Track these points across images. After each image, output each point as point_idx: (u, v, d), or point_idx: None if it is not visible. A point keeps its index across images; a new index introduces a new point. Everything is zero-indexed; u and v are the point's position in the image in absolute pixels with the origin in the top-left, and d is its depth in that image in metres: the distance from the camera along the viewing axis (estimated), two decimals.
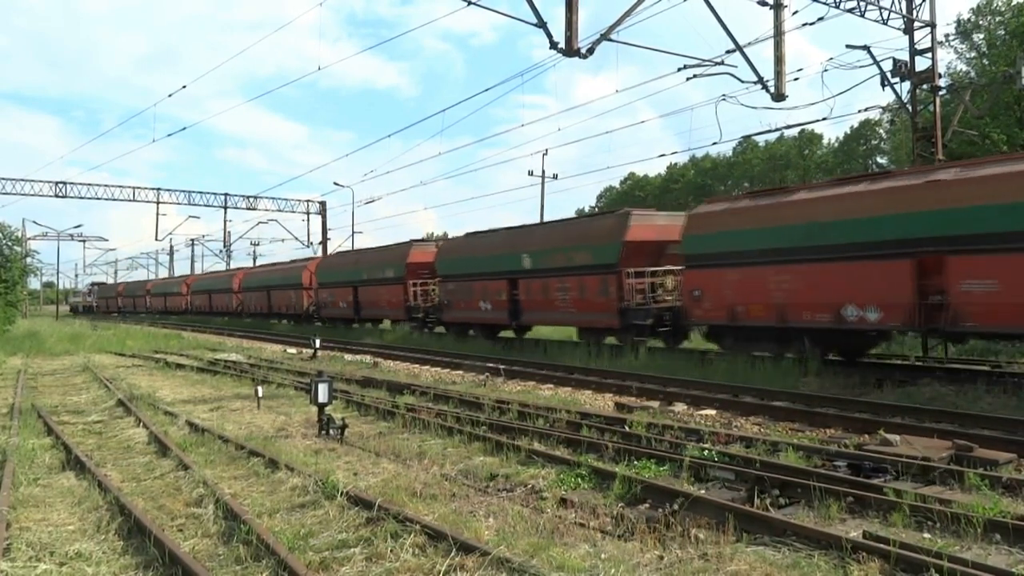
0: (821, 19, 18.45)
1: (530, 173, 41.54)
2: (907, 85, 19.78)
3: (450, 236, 42.05)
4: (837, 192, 15.17)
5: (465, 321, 26.45)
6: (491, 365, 17.89)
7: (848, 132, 56.93)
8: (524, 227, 25.66)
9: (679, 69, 17.29)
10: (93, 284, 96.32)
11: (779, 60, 15.81)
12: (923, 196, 13.22)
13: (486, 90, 54.50)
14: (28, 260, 40.27)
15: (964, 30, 33.54)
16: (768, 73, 16.00)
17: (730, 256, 16.48)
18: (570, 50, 13.56)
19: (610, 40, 14.42)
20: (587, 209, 78.20)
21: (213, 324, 47.86)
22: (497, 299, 24.11)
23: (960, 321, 12.64)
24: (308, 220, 50.86)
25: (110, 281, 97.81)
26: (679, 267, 18.54)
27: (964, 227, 12.49)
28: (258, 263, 66.32)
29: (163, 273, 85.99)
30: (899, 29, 19.63)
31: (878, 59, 19.22)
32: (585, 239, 21.04)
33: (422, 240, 33.54)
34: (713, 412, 11.76)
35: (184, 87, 31.95)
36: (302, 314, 39.86)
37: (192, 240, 78.33)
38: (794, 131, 56.48)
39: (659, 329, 19.05)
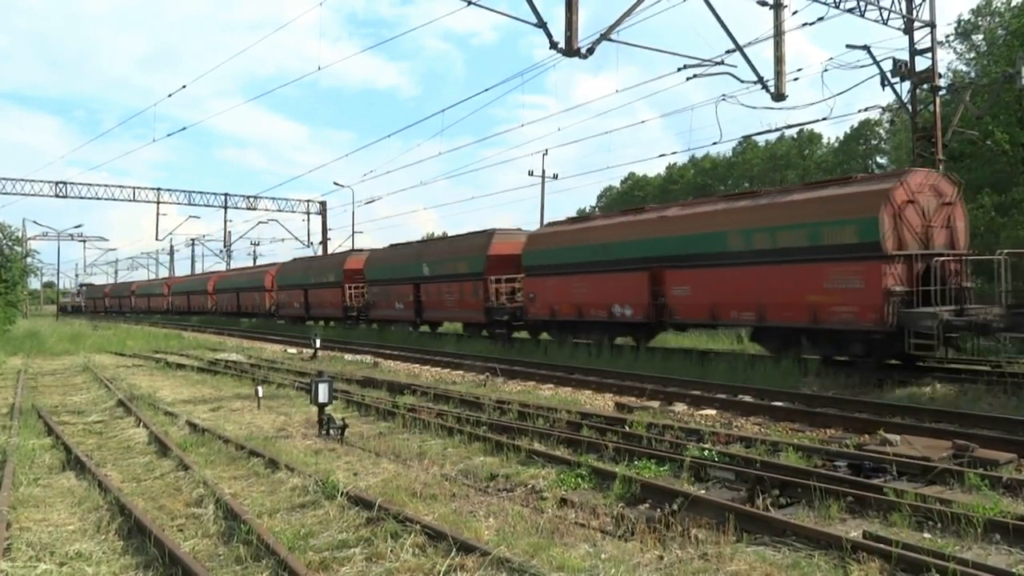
0: (821, 19, 18.43)
1: (530, 173, 41.58)
2: (907, 85, 19.77)
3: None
4: (612, 221, 21.12)
5: (385, 318, 31.58)
6: (491, 365, 17.89)
7: (848, 132, 56.97)
8: (425, 241, 32.98)
9: (679, 69, 17.29)
10: (81, 285, 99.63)
11: (779, 60, 15.81)
12: (655, 227, 18.62)
13: (486, 90, 54.59)
14: (28, 260, 40.29)
15: (964, 30, 33.53)
16: (768, 73, 16.01)
17: (551, 268, 21.86)
18: (570, 50, 13.56)
19: (610, 40, 14.43)
20: (588, 209, 78.47)
21: (191, 322, 52.65)
22: (407, 300, 29.28)
23: (672, 315, 18.09)
24: (308, 220, 50.96)
25: (110, 281, 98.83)
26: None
27: (674, 250, 17.77)
28: (258, 263, 66.47)
29: (163, 273, 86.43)
30: (899, 29, 19.62)
31: (878, 59, 19.21)
32: (462, 252, 26.07)
33: (358, 250, 38.00)
34: (713, 412, 11.77)
35: (184, 87, 31.94)
36: (264, 313, 45.18)
37: (192, 240, 78.50)
38: (794, 131, 56.53)
39: (514, 323, 23.93)
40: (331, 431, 10.38)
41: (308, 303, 38.64)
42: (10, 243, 36.19)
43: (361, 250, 37.22)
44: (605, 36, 14.32)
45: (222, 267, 63.48)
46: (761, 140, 60.97)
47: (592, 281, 20.29)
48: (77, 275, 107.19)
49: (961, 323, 13.13)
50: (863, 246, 13.87)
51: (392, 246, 32.89)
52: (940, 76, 20.29)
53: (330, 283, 35.87)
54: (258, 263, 66.71)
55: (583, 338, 21.08)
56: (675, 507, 6.53)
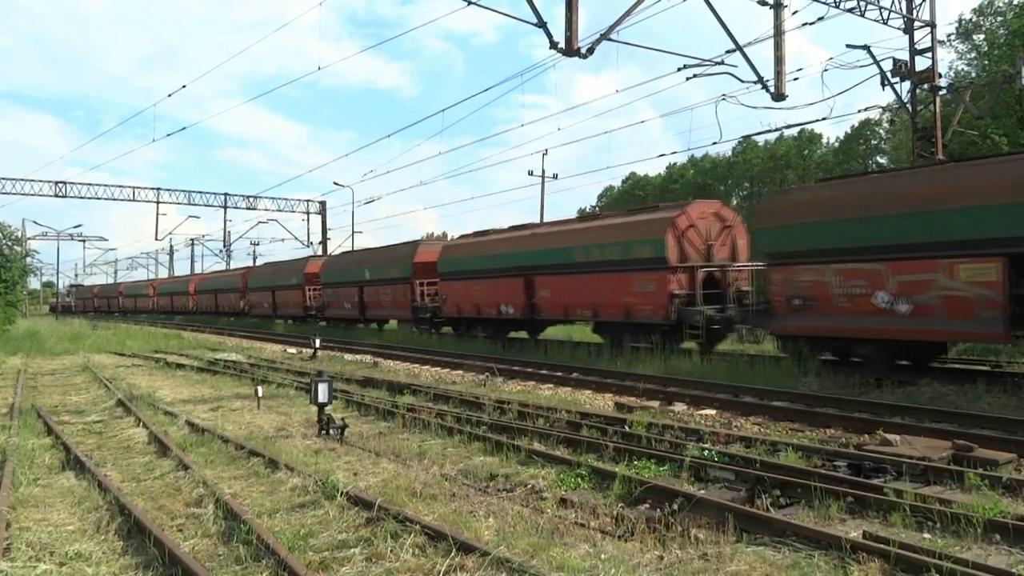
0: (821, 19, 18.46)
1: (530, 173, 41.61)
2: (907, 85, 19.79)
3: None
4: (500, 236, 25.34)
5: (338, 317, 35.74)
6: (491, 365, 17.90)
7: (848, 132, 56.96)
8: (368, 250, 36.84)
9: (679, 69, 17.32)
10: (71, 286, 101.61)
11: (779, 60, 15.82)
12: (528, 242, 23.20)
13: (486, 90, 54.57)
14: (28, 260, 40.31)
15: (965, 30, 33.53)
16: (768, 73, 16.03)
17: (458, 274, 26.19)
18: (570, 50, 13.57)
19: (610, 40, 14.44)
20: (588, 209, 78.55)
21: (174, 320, 56.55)
22: (353, 301, 33.46)
23: (540, 313, 22.54)
24: (308, 220, 50.99)
25: (107, 282, 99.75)
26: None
27: (540, 260, 22.18)
28: (258, 262, 66.60)
29: (163, 273, 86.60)
30: (899, 29, 19.64)
31: (878, 59, 19.23)
32: (394, 260, 30.34)
33: (316, 256, 42.78)
34: (713, 412, 11.76)
35: (184, 87, 31.87)
36: (239, 312, 49.47)
37: (192, 240, 78.49)
38: (794, 131, 56.54)
39: (435, 320, 28.15)
40: (331, 431, 10.38)
41: (275, 303, 42.90)
42: (10, 243, 36.20)
43: (318, 256, 42.23)
44: (605, 36, 14.33)
45: (222, 266, 63.65)
46: (761, 140, 60.97)
47: (486, 285, 24.61)
48: (76, 275, 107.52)
49: (718, 318, 17.53)
50: (655, 260, 18.17)
51: (343, 253, 38.64)
52: (940, 76, 20.30)
53: (293, 285, 40.21)
54: (258, 262, 66.84)
55: (480, 332, 25.52)
56: (675, 507, 6.53)
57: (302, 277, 38.89)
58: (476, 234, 27.34)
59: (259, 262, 66.61)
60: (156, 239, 72.45)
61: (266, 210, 50.00)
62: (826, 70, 18.95)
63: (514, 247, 23.61)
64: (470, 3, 14.19)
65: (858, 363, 15.55)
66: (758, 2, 16.15)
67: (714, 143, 70.85)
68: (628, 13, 14.48)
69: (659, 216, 19.06)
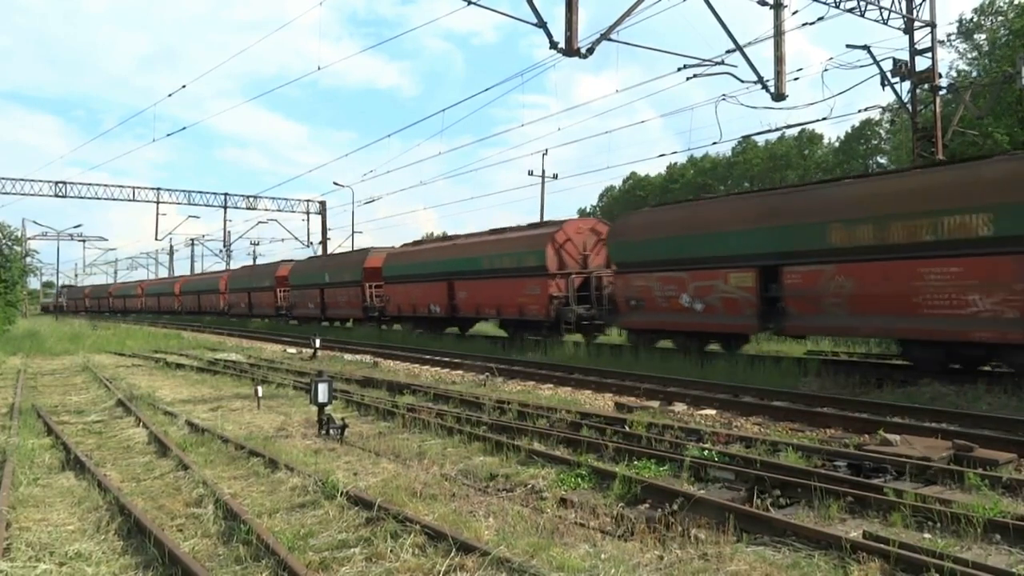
0: (821, 19, 18.46)
1: (530, 173, 41.67)
2: (907, 85, 19.78)
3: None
4: (428, 247, 30.09)
5: (303, 315, 40.02)
6: (491, 365, 17.89)
7: (848, 132, 56.95)
8: (329, 256, 42.35)
9: (679, 69, 17.31)
10: (63, 287, 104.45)
11: (779, 60, 15.82)
12: (449, 251, 27.29)
13: (486, 90, 54.49)
14: (28, 260, 40.29)
15: (966, 30, 33.53)
16: (768, 73, 16.03)
17: (398, 278, 30.21)
18: (570, 50, 13.57)
19: (610, 40, 14.44)
20: (588, 209, 78.71)
21: (161, 319, 59.83)
22: (316, 301, 37.57)
23: (460, 312, 26.30)
24: (308, 220, 50.98)
25: (103, 283, 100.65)
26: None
27: (459, 267, 26.15)
28: (258, 263, 66.70)
29: (163, 273, 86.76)
30: (899, 29, 19.64)
31: (878, 59, 19.23)
32: (348, 265, 34.51)
33: (287, 260, 45.85)
34: (713, 412, 11.76)
35: (184, 87, 32.01)
36: (219, 312, 52.90)
37: (192, 240, 78.53)
38: (794, 131, 56.52)
39: (382, 318, 32.08)
40: (331, 431, 10.37)
41: (251, 303, 46.90)
42: (10, 243, 36.20)
43: (289, 261, 45.50)
44: (605, 36, 14.33)
45: (222, 266, 63.74)
46: (761, 140, 61.01)
47: (420, 288, 28.41)
48: (76, 275, 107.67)
49: (587, 316, 21.33)
50: (538, 268, 21.98)
51: (308, 259, 42.87)
52: (940, 76, 20.29)
53: (266, 287, 44.14)
54: (258, 262, 66.91)
55: (415, 329, 29.85)
56: (675, 507, 6.53)
57: (274, 280, 42.88)
58: (414, 243, 32.30)
59: (259, 262, 66.79)
60: (156, 239, 72.69)
61: (266, 210, 50.06)
62: (826, 70, 18.98)
63: (440, 256, 27.68)
64: (470, 3, 14.19)
65: (857, 363, 15.61)
66: (758, 2, 16.15)
67: (714, 143, 70.74)
68: (628, 13, 14.49)
69: (542, 232, 23.08)
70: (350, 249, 39.05)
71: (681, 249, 17.29)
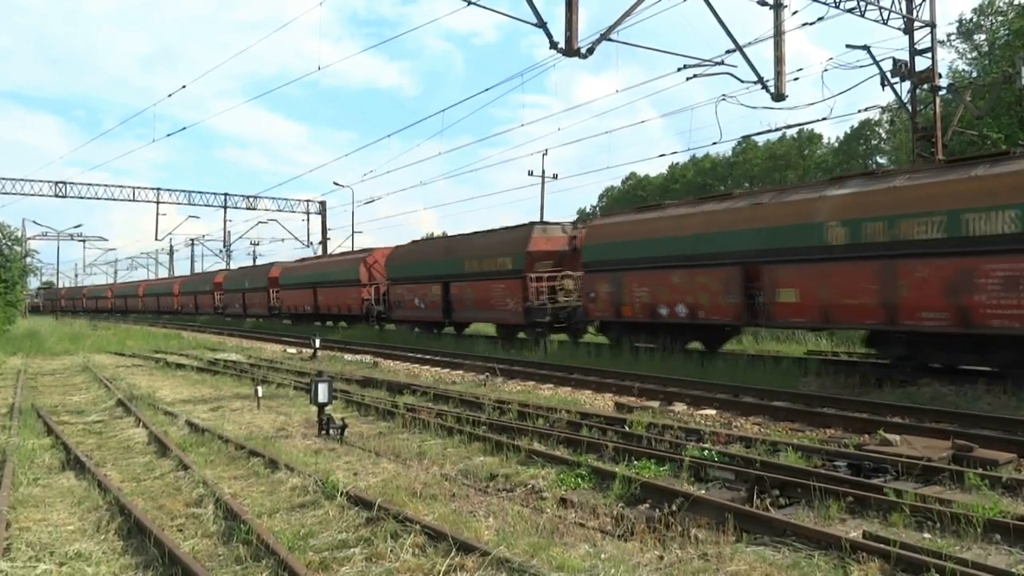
0: (821, 19, 18.45)
1: (530, 173, 41.57)
2: (907, 85, 19.77)
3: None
4: (426, 247, 31.52)
5: (293, 312, 42.22)
6: (491, 365, 17.89)
7: (848, 132, 56.91)
8: (319, 257, 45.53)
9: (679, 69, 17.30)
10: (40, 288, 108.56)
11: (779, 60, 15.81)
12: (446, 252, 28.59)
13: (486, 90, 54.31)
14: (28, 260, 40.28)
15: (966, 30, 33.53)
16: (768, 73, 16.01)
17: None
18: (570, 50, 13.55)
19: (610, 40, 14.43)
20: (588, 209, 78.90)
21: (127, 319, 65.29)
22: (310, 300, 39.49)
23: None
24: (308, 220, 50.96)
25: (106, 281, 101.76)
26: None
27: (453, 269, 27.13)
28: (258, 262, 66.75)
29: (163, 273, 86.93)
30: (899, 29, 19.63)
31: (878, 59, 19.22)
32: (342, 267, 36.64)
33: (281, 262, 48.41)
34: (713, 412, 11.76)
35: (184, 87, 31.99)
36: (213, 312, 54.57)
37: (192, 240, 78.50)
38: (794, 131, 56.47)
39: (381, 318, 33.20)
40: (331, 431, 10.37)
41: (245, 304, 48.99)
42: (10, 243, 36.20)
43: (284, 262, 48.03)
44: (605, 36, 14.32)
45: (222, 266, 63.74)
46: (761, 140, 60.94)
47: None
48: (77, 275, 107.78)
49: (562, 315, 22.59)
50: (512, 272, 23.49)
51: (300, 260, 46.09)
52: (940, 76, 20.28)
53: (260, 288, 46.25)
54: (258, 262, 66.96)
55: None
56: (675, 507, 6.53)
57: (267, 280, 44.58)
58: (415, 243, 32.86)
59: (259, 262, 66.90)
60: (156, 239, 73.23)
61: (266, 210, 50.07)
62: (826, 70, 18.97)
63: (433, 257, 28.93)
64: (470, 3, 14.18)
65: (857, 363, 15.58)
66: (758, 2, 16.13)
67: (714, 143, 70.73)
68: (628, 13, 14.48)
69: (514, 236, 24.58)
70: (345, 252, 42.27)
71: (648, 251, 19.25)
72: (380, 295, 32.13)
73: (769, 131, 30.62)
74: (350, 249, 45.26)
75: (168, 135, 49.79)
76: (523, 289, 22.61)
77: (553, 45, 13.66)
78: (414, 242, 32.52)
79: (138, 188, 45.44)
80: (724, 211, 16.67)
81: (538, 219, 26.61)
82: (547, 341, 22.40)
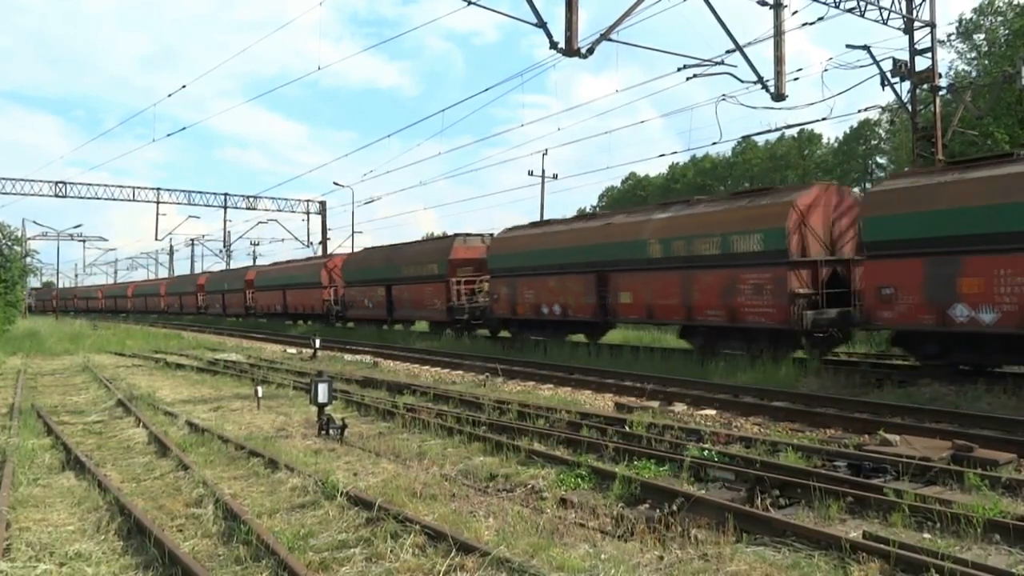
0: (821, 19, 18.42)
1: (530, 173, 41.58)
2: (907, 85, 19.75)
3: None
4: (374, 255, 33.95)
5: (266, 312, 45.35)
6: (491, 365, 17.89)
7: (848, 132, 56.92)
8: (290, 262, 47.27)
9: (679, 69, 17.28)
10: (32, 289, 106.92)
11: (779, 60, 15.79)
12: (389, 258, 31.31)
13: (486, 90, 54.25)
14: (28, 260, 40.26)
15: (966, 30, 33.53)
16: (768, 73, 15.98)
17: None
18: (570, 50, 13.54)
19: (610, 40, 14.41)
20: (588, 209, 78.76)
21: (118, 318, 68.10)
22: (279, 301, 42.61)
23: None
24: (308, 220, 50.92)
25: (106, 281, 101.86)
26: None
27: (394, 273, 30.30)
28: (258, 262, 66.81)
29: (163, 273, 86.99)
30: (899, 29, 19.61)
31: (878, 59, 19.20)
32: (307, 271, 39.62)
33: (255, 266, 53.40)
34: (713, 412, 11.76)
35: (184, 87, 31.87)
36: (197, 311, 57.54)
37: (192, 240, 78.50)
38: (794, 131, 56.50)
39: (339, 315, 35.66)
40: (331, 431, 10.37)
41: (225, 303, 52.28)
42: (10, 243, 36.19)
43: (259, 266, 52.47)
44: (605, 36, 14.31)
45: (221, 266, 63.93)
46: (761, 140, 61.03)
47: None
48: (77, 275, 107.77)
49: (478, 314, 25.55)
50: (438, 276, 26.84)
51: (271, 265, 49.70)
52: (940, 76, 20.27)
53: (237, 289, 49.46)
54: (258, 262, 67.03)
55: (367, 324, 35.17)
56: (675, 507, 6.53)
57: (243, 283, 48.12)
58: (365, 250, 36.46)
59: (259, 262, 66.97)
60: (156, 239, 73.14)
61: (266, 210, 50.00)
62: (826, 70, 18.94)
63: (378, 263, 31.90)
64: (470, 3, 14.18)
65: (857, 363, 15.60)
66: (758, 2, 16.12)
67: (714, 143, 70.78)
68: (628, 13, 14.47)
69: (438, 246, 28.21)
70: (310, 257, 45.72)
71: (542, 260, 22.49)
72: (339, 296, 35.78)
73: (769, 131, 30.70)
74: (314, 255, 47.88)
75: (168, 135, 49.87)
76: (447, 291, 26.29)
77: (553, 45, 13.65)
78: (365, 249, 37.00)
79: (138, 188, 45.45)
80: (585, 228, 21.08)
81: (528, 221, 28.18)
82: (470, 335, 26.59)
